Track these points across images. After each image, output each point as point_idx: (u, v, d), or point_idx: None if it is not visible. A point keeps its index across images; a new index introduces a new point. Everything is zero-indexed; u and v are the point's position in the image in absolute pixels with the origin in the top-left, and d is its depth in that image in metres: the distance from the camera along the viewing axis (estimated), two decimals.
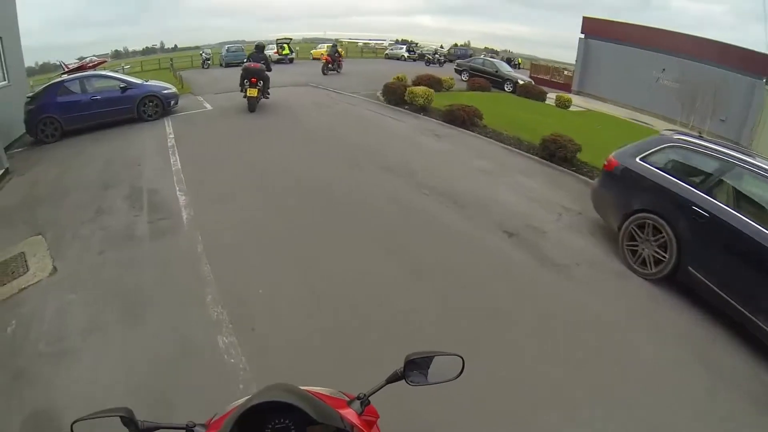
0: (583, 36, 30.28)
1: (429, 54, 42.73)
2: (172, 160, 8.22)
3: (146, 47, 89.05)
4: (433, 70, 22.39)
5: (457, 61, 25.25)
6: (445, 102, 12.63)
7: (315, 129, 10.65)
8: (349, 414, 1.22)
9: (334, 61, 22.79)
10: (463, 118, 11.52)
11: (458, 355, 1.38)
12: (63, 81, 11.27)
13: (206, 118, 12.06)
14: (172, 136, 10.05)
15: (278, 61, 31.71)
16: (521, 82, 21.98)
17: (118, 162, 8.50)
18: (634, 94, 25.07)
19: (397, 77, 16.36)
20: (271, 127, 10.77)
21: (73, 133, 10.80)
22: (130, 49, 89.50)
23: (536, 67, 35.02)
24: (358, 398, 1.31)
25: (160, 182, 7.09)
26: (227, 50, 32.15)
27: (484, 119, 11.78)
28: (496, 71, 22.69)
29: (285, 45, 32.13)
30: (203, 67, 31.23)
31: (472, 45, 66.58)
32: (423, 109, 13.04)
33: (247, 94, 11.59)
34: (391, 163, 8.06)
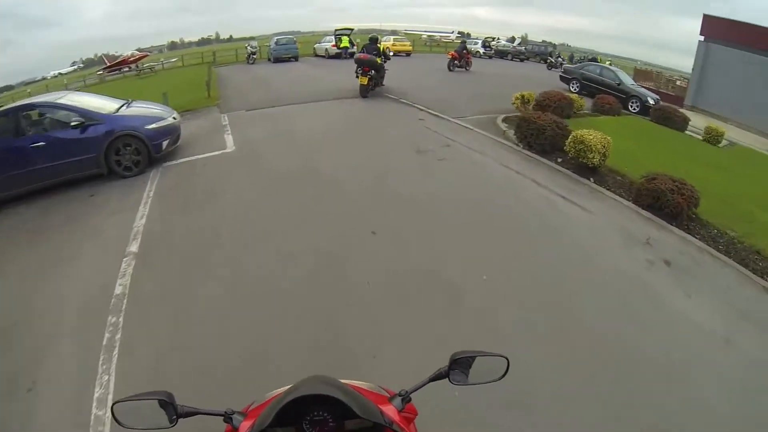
0: (702, 38, 23.12)
1: (510, 49, 36.54)
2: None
3: (202, 38, 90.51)
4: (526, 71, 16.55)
5: (565, 66, 18.95)
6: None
7: (432, 249, 4.70)
8: (390, 410, 1.21)
9: (461, 57, 20.35)
10: (677, 206, 5.86)
11: (503, 356, 1.34)
12: None
13: (217, 176, 6.82)
14: (137, 240, 4.93)
15: (336, 56, 26.67)
16: (651, 102, 15.73)
17: None
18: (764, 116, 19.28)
19: (521, 96, 10.66)
20: (340, 221, 5.31)
21: None
22: (186, 40, 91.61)
23: (639, 73, 28.11)
24: (399, 395, 1.28)
25: None
26: (276, 43, 27.21)
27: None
28: (619, 84, 16.32)
29: (344, 36, 26.88)
30: (248, 63, 26.60)
31: (530, 38, 59.44)
32: (593, 171, 7.32)
33: (359, 82, 12.39)
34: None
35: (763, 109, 20.08)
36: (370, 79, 12.22)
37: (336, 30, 27.47)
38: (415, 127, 9.14)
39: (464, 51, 20.79)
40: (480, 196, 6.07)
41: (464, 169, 6.98)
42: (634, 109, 15.88)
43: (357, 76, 12.55)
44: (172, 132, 7.34)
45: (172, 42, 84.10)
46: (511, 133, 8.92)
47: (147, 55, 35.36)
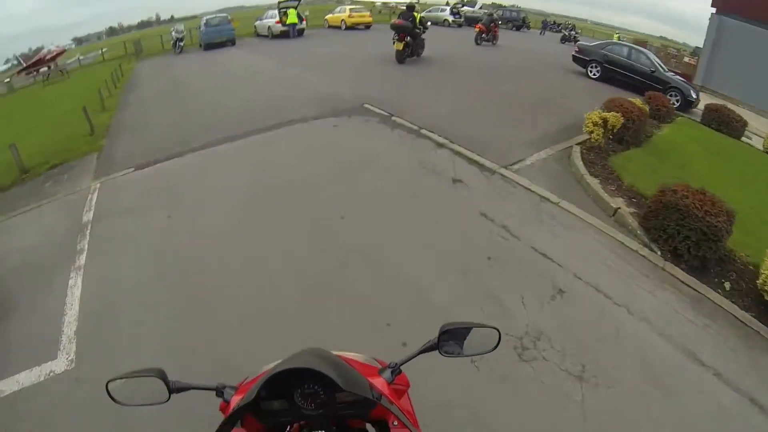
0: (714, 11, 20.27)
1: (481, 16, 32.04)
2: None
3: (141, 21, 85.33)
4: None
5: (581, 44, 14.99)
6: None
7: None
8: (379, 382, 1.20)
9: (489, 30, 19.62)
10: None
11: (495, 328, 1.33)
12: None
13: None
14: None
15: (282, 35, 21.48)
16: (694, 96, 12.44)
17: None
18: None
19: (601, 122, 6.67)
20: None
21: None
22: (125, 24, 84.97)
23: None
24: (390, 367, 1.28)
25: None
26: (206, 24, 21.32)
27: None
28: (653, 71, 12.62)
29: (290, 9, 21.59)
30: (175, 52, 20.93)
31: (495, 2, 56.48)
32: None
33: (395, 48, 12.84)
34: None
35: None
36: (406, 45, 12.79)
37: (280, 2, 22.07)
38: (459, 215, 4.92)
39: (492, 24, 19.71)
40: None
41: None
42: (674, 104, 12.35)
43: (393, 42, 12.98)
44: None
45: (111, 28, 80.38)
46: (626, 214, 5.01)
47: (64, 51, 28.77)
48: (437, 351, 1.30)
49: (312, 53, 15.87)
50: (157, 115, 9.28)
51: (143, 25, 79.94)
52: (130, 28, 79.73)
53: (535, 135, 7.28)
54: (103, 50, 29.93)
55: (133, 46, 24.92)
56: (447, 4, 44.66)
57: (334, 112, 8.00)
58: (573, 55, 14.58)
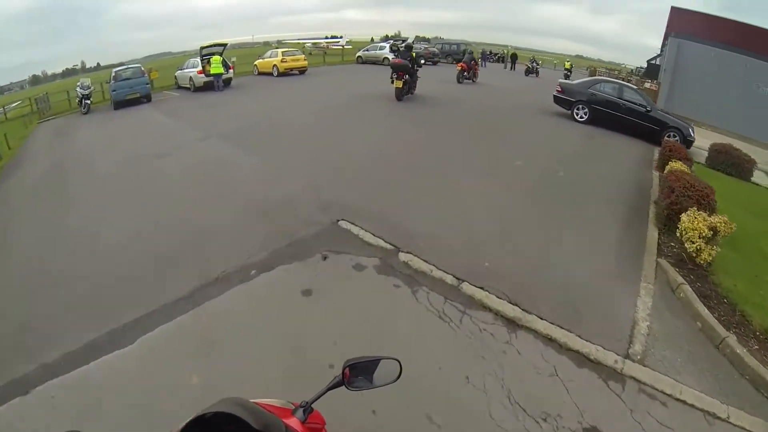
0: (671, 35, 20.60)
1: (423, 51, 30.70)
2: None
3: (66, 69, 78.92)
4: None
5: (562, 83, 13.41)
6: None
7: None
8: (293, 422, 1.24)
9: (470, 68, 19.79)
10: None
11: (395, 359, 1.42)
12: None
13: None
14: None
15: (207, 87, 18.36)
16: (693, 135, 11.16)
17: None
18: (734, 118, 17.97)
19: (709, 232, 4.46)
20: None
21: None
22: (50, 72, 79.28)
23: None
24: (301, 406, 1.32)
25: None
26: (115, 78, 17.66)
27: None
28: (648, 111, 11.27)
29: (215, 56, 18.59)
30: (81, 112, 17.01)
31: (402, 35, 58.29)
32: None
33: (394, 86, 13.32)
34: None
35: (738, 110, 17.47)
36: (404, 83, 13.25)
37: (202, 48, 19.01)
38: None
39: (472, 62, 20.05)
40: None
41: None
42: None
43: (392, 81, 13.40)
44: None
45: (35, 76, 75.65)
46: None
47: None
48: (344, 386, 1.40)
49: (244, 113, 13.07)
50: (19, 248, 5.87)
51: (68, 72, 75.04)
52: (54, 76, 74.80)
53: (605, 247, 5.04)
54: (7, 107, 24.43)
55: (35, 103, 20.29)
56: (386, 38, 43.56)
57: (291, 243, 4.96)
58: (555, 96, 12.94)
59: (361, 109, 12.70)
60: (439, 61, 31.03)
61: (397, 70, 13.22)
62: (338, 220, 5.46)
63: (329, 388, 1.38)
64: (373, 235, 5.10)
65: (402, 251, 4.77)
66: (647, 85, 20.31)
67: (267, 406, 1.23)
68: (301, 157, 8.32)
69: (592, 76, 27.10)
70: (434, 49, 31.84)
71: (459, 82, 19.20)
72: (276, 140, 9.58)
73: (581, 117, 12.20)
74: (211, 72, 18.22)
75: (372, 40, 35.54)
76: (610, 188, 7.18)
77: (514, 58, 32.81)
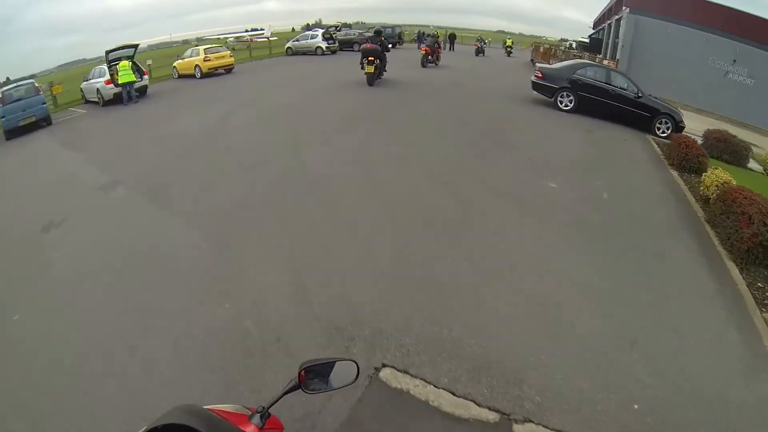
0: (626, 10, 20.46)
1: (356, 37, 28.63)
2: None
3: None
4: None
5: (541, 67, 12.09)
6: None
7: None
8: (250, 429, 1.20)
9: (433, 52, 19.90)
10: None
11: (353, 361, 1.39)
12: None
13: None
14: None
15: (117, 99, 15.39)
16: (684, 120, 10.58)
17: None
18: (692, 93, 18.67)
19: None
20: None
21: None
22: None
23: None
24: (258, 412, 1.27)
25: None
26: (2, 100, 14.01)
27: None
28: (638, 96, 10.42)
29: (121, 62, 15.53)
30: None
31: (324, 23, 55.45)
32: None
33: (365, 71, 13.49)
34: None
35: (690, 85, 17.70)
36: (375, 68, 13.52)
37: (108, 53, 15.83)
38: None
39: (436, 45, 20.59)
40: None
41: None
42: (664, 132, 10.21)
43: (362, 67, 13.63)
44: None
45: None
46: None
47: None
48: (301, 389, 1.35)
49: (166, 134, 10.07)
50: None
51: None
52: None
53: (696, 303, 3.75)
54: None
55: None
56: (308, 26, 40.95)
57: None
58: (533, 82, 11.72)
59: (321, 113, 10.68)
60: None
61: (368, 55, 13.45)
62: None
63: (285, 393, 1.34)
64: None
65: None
66: (605, 62, 19.89)
67: (222, 413, 1.20)
68: (263, 216, 5.55)
69: (535, 52, 26.58)
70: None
71: (423, 66, 18.86)
72: (219, 183, 6.72)
73: (566, 105, 11.11)
74: (120, 81, 15.23)
75: (293, 29, 33.01)
76: (648, 205, 6.02)
77: (452, 38, 31.85)
